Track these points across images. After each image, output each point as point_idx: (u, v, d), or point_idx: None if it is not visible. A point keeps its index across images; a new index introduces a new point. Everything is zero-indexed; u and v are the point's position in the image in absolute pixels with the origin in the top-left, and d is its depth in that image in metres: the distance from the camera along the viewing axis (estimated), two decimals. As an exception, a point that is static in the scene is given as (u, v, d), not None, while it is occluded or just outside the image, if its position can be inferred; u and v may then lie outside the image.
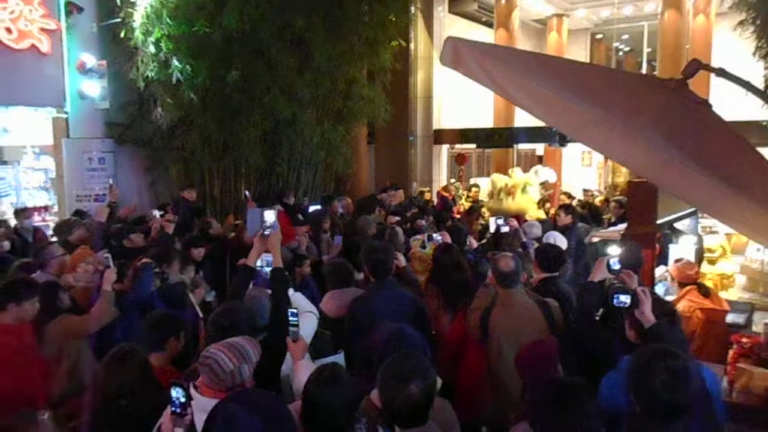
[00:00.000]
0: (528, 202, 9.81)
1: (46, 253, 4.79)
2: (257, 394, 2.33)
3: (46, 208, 9.40)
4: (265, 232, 3.28)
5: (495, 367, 3.37)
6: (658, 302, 3.02)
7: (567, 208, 7.10)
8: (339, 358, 3.22)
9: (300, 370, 2.71)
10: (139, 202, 8.61)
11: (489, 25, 16.27)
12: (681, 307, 4.26)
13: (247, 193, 8.13)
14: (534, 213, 9.72)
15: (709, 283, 5.48)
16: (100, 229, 5.59)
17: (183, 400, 2.09)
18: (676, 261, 4.68)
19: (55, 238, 5.96)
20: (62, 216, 8.28)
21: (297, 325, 2.79)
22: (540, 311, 3.40)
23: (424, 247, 5.54)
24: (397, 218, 7.36)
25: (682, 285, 4.43)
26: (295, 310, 2.82)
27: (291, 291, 3.34)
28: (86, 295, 4.40)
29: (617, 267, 3.24)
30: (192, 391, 2.26)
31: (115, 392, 2.57)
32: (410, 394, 2.05)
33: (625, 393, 2.19)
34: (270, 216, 3.31)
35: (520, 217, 8.84)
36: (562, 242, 5.49)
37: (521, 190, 9.82)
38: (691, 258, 5.03)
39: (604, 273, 3.30)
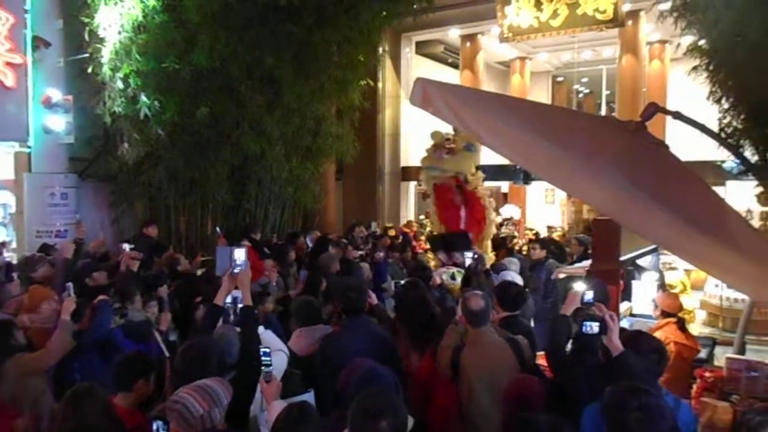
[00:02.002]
0: (469, 163, 8.72)
1: (2, 293, 4.64)
2: None
3: (3, 244, 9.11)
4: (235, 270, 3.26)
5: (466, 406, 3.35)
6: (645, 338, 3.05)
7: (542, 243, 7.21)
8: (309, 397, 3.17)
9: (273, 411, 2.66)
10: (102, 238, 8.43)
11: (455, 66, 16.69)
12: (657, 336, 4.35)
13: (218, 229, 8.04)
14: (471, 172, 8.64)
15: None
16: (65, 266, 5.44)
17: None
18: (663, 290, 4.78)
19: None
20: (21, 252, 8.04)
21: (270, 365, 2.75)
22: (510, 349, 3.42)
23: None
24: (360, 252, 7.44)
25: (665, 315, 4.52)
26: (267, 350, 2.78)
27: (261, 329, 3.30)
28: (44, 336, 4.25)
29: (589, 300, 3.30)
30: None
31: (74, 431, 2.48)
32: (381, 431, 2.03)
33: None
34: (240, 254, 3.30)
35: (458, 178, 8.45)
36: (518, 279, 5.53)
37: (463, 148, 8.73)
38: (653, 294, 5.16)
39: (576, 307, 3.34)
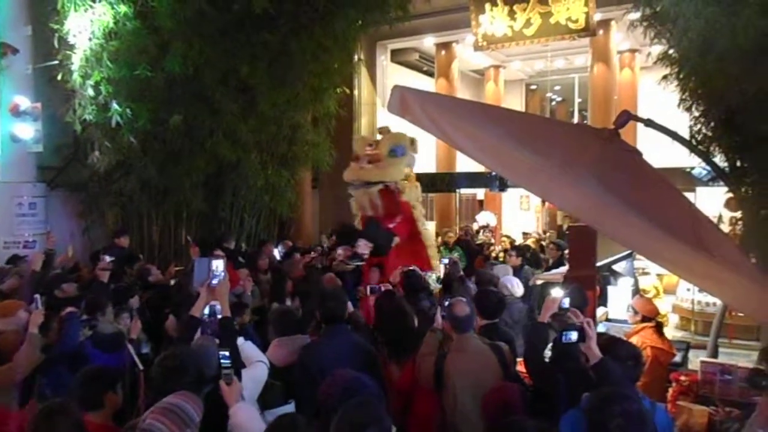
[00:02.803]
0: (396, 170, 7.36)
1: None
2: None
3: (-31, 256, 8.87)
4: (213, 282, 3.22)
5: (450, 414, 3.31)
6: (622, 344, 3.06)
7: (518, 250, 7.23)
8: (290, 408, 3.12)
9: (238, 413, 2.58)
10: (72, 248, 8.24)
11: (430, 74, 16.79)
12: (633, 341, 4.39)
13: (189, 237, 7.92)
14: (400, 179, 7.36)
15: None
16: (33, 278, 5.29)
17: None
18: (640, 295, 4.83)
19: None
20: (-13, 264, 7.81)
21: (230, 368, 2.69)
22: (494, 355, 3.41)
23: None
24: (313, 255, 7.52)
25: (644, 319, 4.56)
26: (227, 353, 2.73)
27: (241, 340, 3.24)
28: (14, 348, 4.11)
29: (566, 306, 3.31)
30: None
31: None
32: None
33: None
34: (218, 265, 3.26)
35: (389, 187, 7.27)
36: (518, 287, 5.51)
37: (388, 153, 7.43)
38: (629, 299, 5.22)
39: (553, 313, 3.35)
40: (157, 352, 4.64)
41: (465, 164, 14.88)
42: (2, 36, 8.02)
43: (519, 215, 18.04)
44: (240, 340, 3.23)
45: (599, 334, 3.09)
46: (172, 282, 6.55)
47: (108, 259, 5.82)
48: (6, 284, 5.32)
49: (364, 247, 6.40)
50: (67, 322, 3.99)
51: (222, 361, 2.69)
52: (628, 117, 3.83)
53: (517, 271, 6.64)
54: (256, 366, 3.13)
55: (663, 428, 2.65)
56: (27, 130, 8.09)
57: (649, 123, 4.07)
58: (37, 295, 3.90)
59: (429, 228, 8.04)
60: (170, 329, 4.81)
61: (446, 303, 3.60)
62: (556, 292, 3.54)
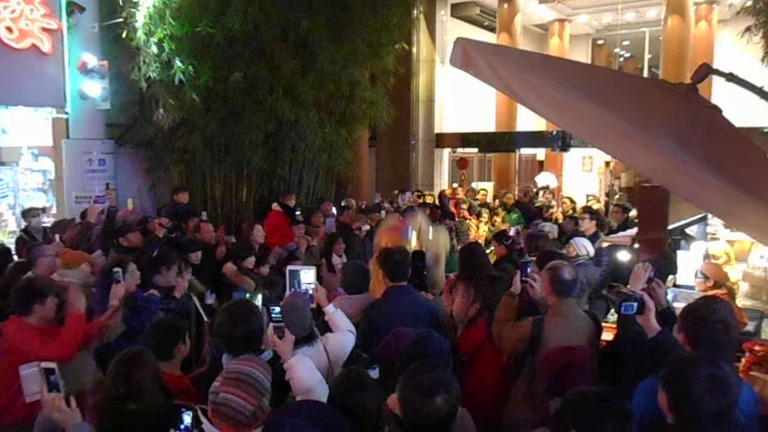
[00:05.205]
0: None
1: (35, 252, 4.70)
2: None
3: (44, 210, 9.34)
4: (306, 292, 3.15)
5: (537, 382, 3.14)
6: (716, 306, 2.63)
7: (592, 213, 6.80)
8: (374, 374, 3.09)
9: (295, 366, 2.57)
10: (139, 203, 8.52)
11: (491, 29, 16.26)
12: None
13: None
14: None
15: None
16: (86, 229, 5.54)
17: (189, 426, 2.02)
18: (710, 260, 4.58)
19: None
20: (61, 217, 8.21)
21: (281, 321, 2.68)
22: (592, 324, 3.27)
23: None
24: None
25: (714, 285, 4.36)
26: (277, 308, 2.73)
27: (331, 307, 3.20)
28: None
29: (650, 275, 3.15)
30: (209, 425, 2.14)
31: (124, 395, 2.46)
32: (436, 407, 1.96)
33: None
34: (309, 277, 3.20)
35: None
36: (590, 248, 5.11)
37: None
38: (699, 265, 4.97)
39: (642, 282, 3.14)
40: (221, 300, 4.78)
41: (525, 123, 14.48)
42: (69, -6, 8.22)
43: (581, 177, 17.49)
44: (330, 308, 3.20)
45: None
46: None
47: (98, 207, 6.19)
48: (66, 234, 5.58)
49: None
50: (148, 303, 4.07)
51: (273, 315, 2.68)
52: (707, 71, 3.56)
53: (593, 238, 6.24)
54: (345, 334, 3.12)
55: (746, 404, 2.45)
56: (95, 88, 8.35)
57: (731, 77, 3.77)
58: (119, 269, 3.92)
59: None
60: (228, 273, 5.06)
61: (546, 266, 3.39)
62: (623, 256, 3.38)
